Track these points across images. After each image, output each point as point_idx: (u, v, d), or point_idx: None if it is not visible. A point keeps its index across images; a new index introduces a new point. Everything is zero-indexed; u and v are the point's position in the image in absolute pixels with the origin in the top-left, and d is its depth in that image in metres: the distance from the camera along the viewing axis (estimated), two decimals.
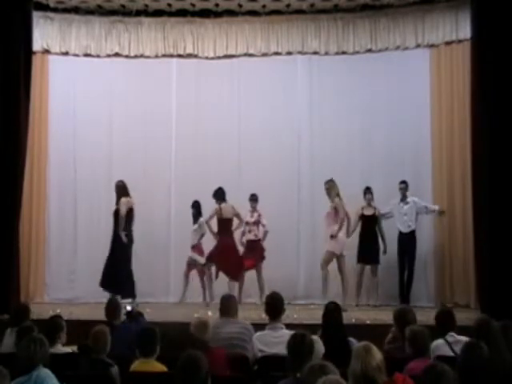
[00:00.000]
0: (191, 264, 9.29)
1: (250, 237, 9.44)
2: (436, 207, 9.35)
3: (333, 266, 8.78)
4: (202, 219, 9.25)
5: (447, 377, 3.18)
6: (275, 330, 5.11)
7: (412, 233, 9.25)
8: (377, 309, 8.73)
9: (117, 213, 8.79)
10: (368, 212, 9.42)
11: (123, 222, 8.73)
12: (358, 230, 9.35)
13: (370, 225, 9.39)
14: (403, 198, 9.34)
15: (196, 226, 9.25)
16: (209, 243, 9.23)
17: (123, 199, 8.81)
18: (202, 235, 9.33)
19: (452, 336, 4.75)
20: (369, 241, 9.36)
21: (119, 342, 4.93)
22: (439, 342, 4.78)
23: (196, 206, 9.27)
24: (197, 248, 9.23)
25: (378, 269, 9.34)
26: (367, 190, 9.43)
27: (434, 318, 5.07)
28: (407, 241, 9.21)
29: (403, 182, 9.36)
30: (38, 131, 9.75)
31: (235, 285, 9.09)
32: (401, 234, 9.26)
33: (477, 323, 4.83)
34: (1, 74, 8.39)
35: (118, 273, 8.69)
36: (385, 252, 9.31)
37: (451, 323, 4.92)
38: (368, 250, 9.31)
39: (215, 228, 9.12)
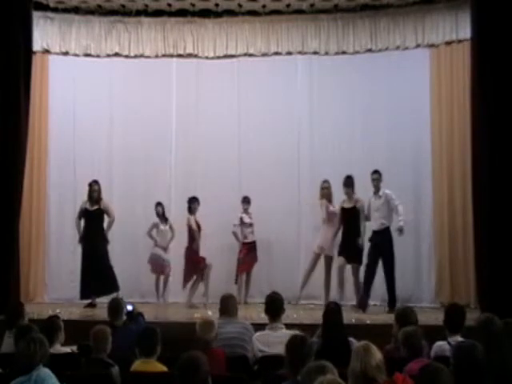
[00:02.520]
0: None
1: (253, 238, 9.50)
2: (401, 222, 8.38)
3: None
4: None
5: (443, 376, 3.18)
6: (275, 329, 5.11)
7: (385, 230, 8.47)
8: (377, 309, 8.72)
9: (99, 213, 8.88)
10: (348, 205, 8.73)
11: (113, 222, 8.93)
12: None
13: (350, 219, 8.65)
14: (376, 191, 8.62)
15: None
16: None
17: (106, 200, 8.98)
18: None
19: (455, 339, 4.74)
20: (350, 237, 8.61)
21: (120, 342, 4.93)
22: (441, 343, 4.78)
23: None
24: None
25: (359, 271, 8.63)
26: (346, 181, 8.70)
27: (444, 312, 5.08)
28: (380, 240, 8.44)
29: (375, 171, 8.64)
30: (38, 131, 9.75)
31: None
32: (373, 232, 8.57)
33: (479, 322, 4.81)
34: (1, 74, 8.39)
35: (110, 271, 8.78)
36: (372, 249, 8.49)
37: (461, 320, 4.91)
38: (348, 248, 8.59)
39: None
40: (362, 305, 8.37)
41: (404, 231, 8.41)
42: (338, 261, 8.68)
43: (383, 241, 8.42)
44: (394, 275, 8.45)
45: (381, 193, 8.56)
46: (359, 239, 8.52)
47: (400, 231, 8.36)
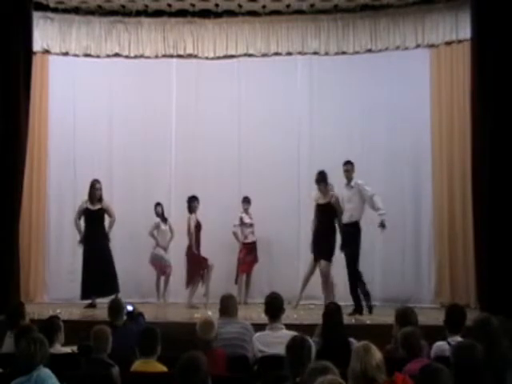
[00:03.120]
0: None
1: (253, 238, 9.51)
2: (382, 217, 8.07)
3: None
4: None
5: (443, 377, 3.19)
6: (275, 330, 5.11)
7: (354, 224, 8.15)
8: (376, 308, 8.71)
9: (101, 212, 8.88)
10: (322, 201, 8.44)
11: (114, 222, 8.93)
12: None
13: (323, 215, 8.34)
14: (348, 182, 8.30)
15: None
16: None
17: (106, 200, 8.99)
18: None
19: (455, 339, 4.74)
20: (321, 233, 8.31)
21: (120, 343, 4.93)
22: (441, 343, 4.78)
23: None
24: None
25: (330, 268, 8.26)
26: (317, 177, 8.38)
27: (445, 312, 5.08)
28: (346, 233, 8.17)
29: (348, 162, 8.34)
30: (37, 131, 9.75)
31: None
32: (343, 225, 8.26)
33: (476, 322, 4.81)
34: (1, 74, 8.40)
35: (112, 272, 8.79)
36: (341, 248, 8.22)
37: (461, 320, 4.91)
38: (317, 244, 8.30)
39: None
40: (358, 308, 8.09)
41: (386, 226, 8.12)
42: (320, 264, 8.31)
43: (349, 234, 8.10)
44: (355, 273, 8.09)
45: (353, 183, 8.26)
46: (328, 234, 8.23)
47: (382, 226, 8.11)
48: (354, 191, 8.22)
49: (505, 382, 3.82)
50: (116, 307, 5.76)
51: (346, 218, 8.22)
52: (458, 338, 4.70)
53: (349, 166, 8.31)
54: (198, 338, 4.67)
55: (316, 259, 8.36)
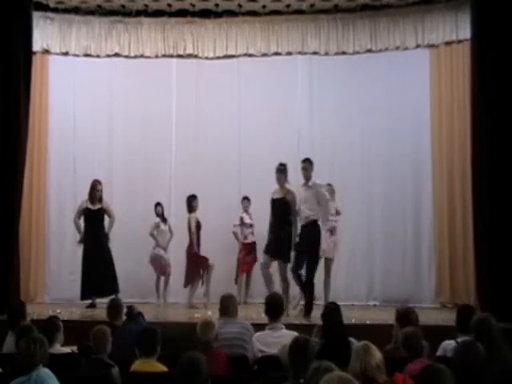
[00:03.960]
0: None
1: (253, 239, 9.51)
2: (334, 224, 8.06)
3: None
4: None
5: (444, 377, 3.18)
6: (275, 330, 5.11)
7: (312, 224, 7.75)
8: (376, 309, 8.73)
9: (101, 212, 8.89)
10: (277, 195, 7.97)
11: (114, 222, 8.94)
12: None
13: (277, 211, 7.90)
14: (306, 182, 7.89)
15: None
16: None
17: (106, 200, 8.99)
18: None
19: (463, 337, 4.73)
20: (275, 230, 7.88)
21: (120, 343, 4.93)
22: (450, 342, 4.78)
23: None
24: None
25: (287, 269, 7.85)
26: (281, 167, 7.99)
27: (456, 312, 5.09)
28: (303, 234, 7.75)
29: (306, 159, 7.96)
30: (37, 131, 9.75)
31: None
32: (301, 226, 7.82)
33: (476, 322, 4.82)
34: (1, 74, 8.39)
35: (112, 272, 8.78)
36: (296, 246, 7.79)
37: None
38: (271, 242, 7.90)
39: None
40: (308, 309, 7.73)
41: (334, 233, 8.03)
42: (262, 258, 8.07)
43: (307, 236, 7.69)
44: (313, 276, 7.75)
45: (310, 183, 7.85)
46: (283, 232, 7.80)
47: (331, 232, 8.01)
48: (312, 192, 7.82)
49: (505, 381, 3.82)
50: (115, 307, 5.76)
51: (302, 218, 7.76)
52: (467, 337, 4.72)
53: (307, 164, 7.89)
54: (199, 339, 4.66)
55: (272, 258, 7.95)
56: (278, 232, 7.84)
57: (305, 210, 7.77)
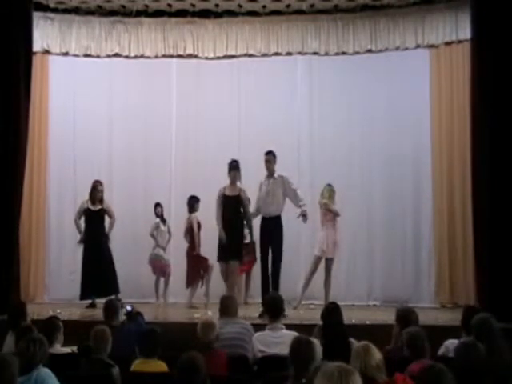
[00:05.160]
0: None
1: (253, 239, 9.52)
2: (304, 207, 7.85)
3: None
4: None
5: (444, 377, 3.18)
6: (275, 330, 5.11)
7: (276, 218, 7.84)
8: (376, 309, 8.73)
9: (102, 213, 8.89)
10: (230, 192, 7.93)
11: (114, 223, 8.93)
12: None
13: (231, 209, 7.89)
14: (270, 175, 7.91)
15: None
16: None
17: (107, 201, 8.99)
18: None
19: (466, 337, 4.73)
20: (230, 230, 7.86)
21: (118, 342, 4.93)
22: (453, 341, 4.78)
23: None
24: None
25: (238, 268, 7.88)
26: (234, 164, 7.99)
27: (462, 313, 5.09)
28: (270, 228, 7.81)
29: (269, 152, 7.98)
30: (38, 131, 9.75)
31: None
32: (263, 219, 7.94)
33: (477, 322, 4.82)
34: (1, 74, 8.39)
35: (112, 273, 8.77)
36: (264, 244, 7.80)
37: None
38: (226, 246, 7.86)
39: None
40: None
41: (307, 217, 7.99)
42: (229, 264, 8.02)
43: (273, 229, 7.79)
44: (279, 269, 7.83)
45: (276, 175, 7.93)
46: (250, 234, 7.95)
47: (304, 216, 7.93)
48: (277, 184, 7.86)
49: (505, 381, 3.83)
50: (111, 308, 5.75)
51: (266, 211, 7.79)
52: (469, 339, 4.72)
53: (270, 157, 7.90)
54: (199, 340, 4.66)
55: (224, 259, 7.98)
56: (231, 232, 7.85)
57: (270, 203, 7.81)
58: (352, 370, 2.72)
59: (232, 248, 7.93)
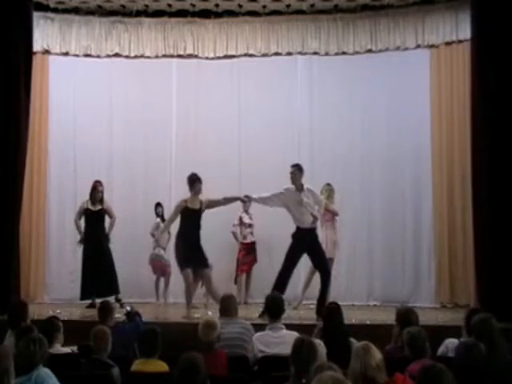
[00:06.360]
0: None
1: (253, 239, 9.51)
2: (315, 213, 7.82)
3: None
4: None
5: (444, 377, 3.18)
6: (275, 330, 5.11)
7: (312, 230, 7.89)
8: (377, 309, 8.73)
9: (102, 213, 8.87)
10: (193, 205, 7.93)
11: (114, 223, 8.91)
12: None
13: (194, 223, 7.86)
14: (300, 186, 7.83)
15: None
16: None
17: (107, 201, 8.97)
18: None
19: (466, 337, 4.73)
20: (192, 244, 7.84)
21: (116, 342, 4.93)
22: (453, 341, 4.78)
23: None
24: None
25: (210, 276, 7.91)
26: (197, 177, 7.99)
27: (465, 316, 5.06)
28: (307, 240, 7.83)
29: (294, 165, 7.93)
30: (38, 131, 9.75)
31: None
32: (299, 229, 7.83)
33: (477, 322, 4.82)
34: (1, 74, 8.40)
35: (112, 273, 8.76)
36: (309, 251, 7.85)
37: None
38: (193, 255, 7.85)
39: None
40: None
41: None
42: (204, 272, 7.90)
43: (310, 240, 7.83)
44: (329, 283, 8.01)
45: (305, 187, 7.87)
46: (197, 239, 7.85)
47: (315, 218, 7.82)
48: (309, 195, 7.88)
49: (506, 381, 3.83)
50: (106, 309, 5.73)
51: (305, 223, 7.77)
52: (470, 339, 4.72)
53: (295, 170, 7.87)
54: (200, 340, 4.66)
55: (196, 269, 7.90)
56: (194, 246, 7.82)
57: (305, 213, 7.74)
58: (345, 381, 2.74)
59: (198, 258, 7.86)
